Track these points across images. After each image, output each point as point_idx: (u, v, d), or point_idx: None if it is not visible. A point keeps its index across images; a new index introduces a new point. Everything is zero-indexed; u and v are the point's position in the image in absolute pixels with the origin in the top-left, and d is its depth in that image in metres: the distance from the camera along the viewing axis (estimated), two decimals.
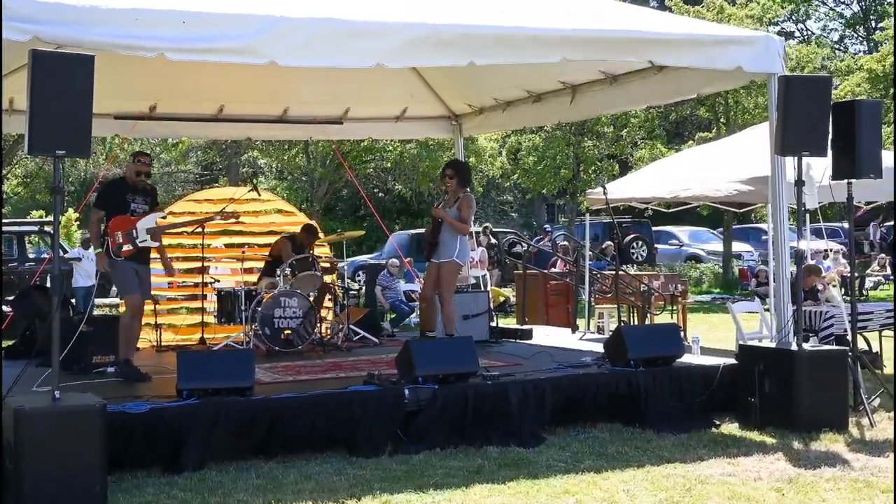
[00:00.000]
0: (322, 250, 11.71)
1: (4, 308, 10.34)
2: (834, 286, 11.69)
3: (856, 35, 40.68)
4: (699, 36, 7.71)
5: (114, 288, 15.73)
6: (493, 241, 19.79)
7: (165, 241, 11.85)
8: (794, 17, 40.55)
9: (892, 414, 7.31)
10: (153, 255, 8.33)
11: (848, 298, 9.46)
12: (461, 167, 9.07)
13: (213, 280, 10.95)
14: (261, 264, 10.86)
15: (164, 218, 8.35)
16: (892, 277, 19.73)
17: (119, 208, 7.89)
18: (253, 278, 10.75)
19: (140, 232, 7.84)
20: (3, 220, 14.56)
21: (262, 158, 29.15)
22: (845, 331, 8.54)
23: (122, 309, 8.64)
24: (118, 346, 7.93)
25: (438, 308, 8.70)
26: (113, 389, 7.02)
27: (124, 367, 7.72)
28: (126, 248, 7.80)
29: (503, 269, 20.29)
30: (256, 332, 9.63)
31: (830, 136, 7.35)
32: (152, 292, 10.56)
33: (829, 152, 7.45)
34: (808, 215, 10.06)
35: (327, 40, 6.55)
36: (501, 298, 16.70)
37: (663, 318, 11.64)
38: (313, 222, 11.31)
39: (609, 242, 19.83)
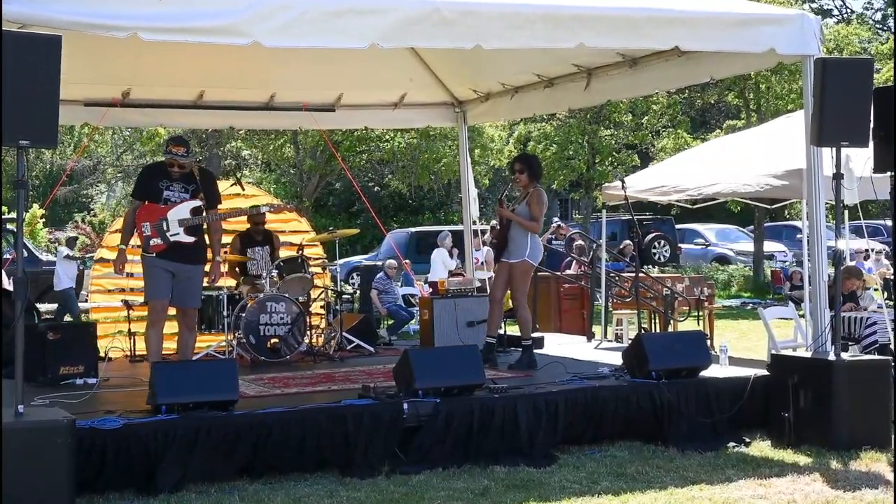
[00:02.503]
0: (314, 251, 11.73)
1: None
2: (875, 290, 11.67)
3: None
4: (729, 15, 7.70)
5: (83, 292, 15.79)
6: None
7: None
8: None
9: None
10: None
11: (891, 303, 9.45)
12: (532, 161, 9.38)
13: None
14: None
15: (200, 209, 7.58)
16: None
17: (151, 196, 7.49)
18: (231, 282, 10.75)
19: (172, 224, 7.41)
20: None
21: (246, 149, 29.17)
22: (889, 339, 8.53)
23: None
24: (89, 356, 7.90)
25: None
26: (82, 404, 7.02)
27: None
28: (155, 241, 7.42)
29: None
30: (240, 341, 9.63)
31: (872, 125, 7.35)
32: (128, 297, 10.63)
33: (871, 142, 7.44)
34: (847, 212, 10.04)
35: (317, 18, 6.55)
36: (512, 304, 16.67)
37: (688, 325, 11.64)
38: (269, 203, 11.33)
39: (628, 242, 19.83)
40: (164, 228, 7.40)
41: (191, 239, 7.51)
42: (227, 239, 11.24)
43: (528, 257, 8.87)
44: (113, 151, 36.93)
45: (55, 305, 16.45)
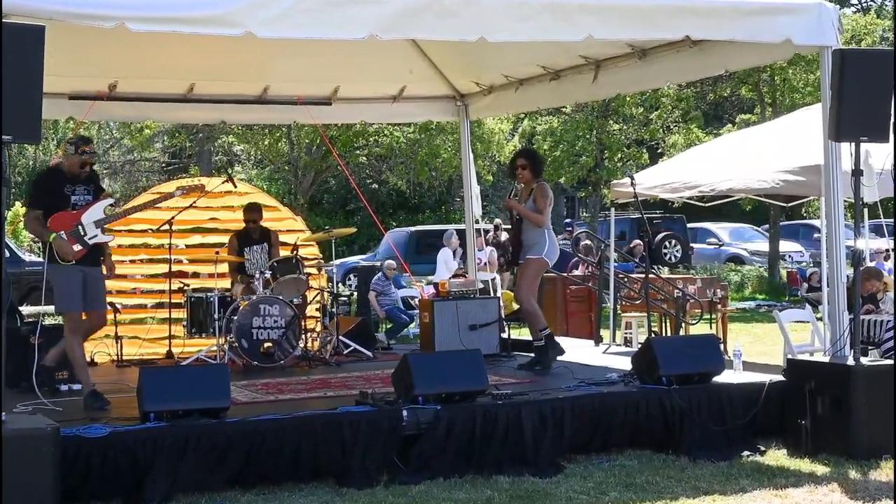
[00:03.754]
0: (309, 251, 11.72)
1: None
2: None
3: None
4: (743, 3, 7.71)
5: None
6: (504, 239, 19.78)
7: (128, 240, 11.98)
8: None
9: None
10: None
11: None
12: (533, 156, 9.61)
13: (182, 285, 10.94)
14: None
15: (112, 206, 7.87)
16: None
17: (58, 204, 7.50)
18: (227, 283, 10.75)
19: (88, 227, 7.45)
20: None
21: (238, 145, 29.19)
22: None
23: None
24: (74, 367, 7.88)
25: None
26: (67, 411, 7.01)
27: (91, 400, 7.41)
28: (76, 248, 7.46)
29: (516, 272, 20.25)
30: (232, 345, 9.63)
31: (893, 119, 7.35)
32: (115, 300, 10.63)
33: (892, 137, 7.44)
34: (866, 210, 10.05)
35: (313, 8, 6.56)
36: (515, 306, 16.67)
37: (700, 329, 11.64)
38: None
39: (638, 241, 19.81)
40: (82, 233, 7.44)
41: (109, 238, 7.71)
42: (223, 239, 11.30)
43: (546, 255, 8.94)
44: (99, 147, 36.93)
45: (36, 308, 16.45)
